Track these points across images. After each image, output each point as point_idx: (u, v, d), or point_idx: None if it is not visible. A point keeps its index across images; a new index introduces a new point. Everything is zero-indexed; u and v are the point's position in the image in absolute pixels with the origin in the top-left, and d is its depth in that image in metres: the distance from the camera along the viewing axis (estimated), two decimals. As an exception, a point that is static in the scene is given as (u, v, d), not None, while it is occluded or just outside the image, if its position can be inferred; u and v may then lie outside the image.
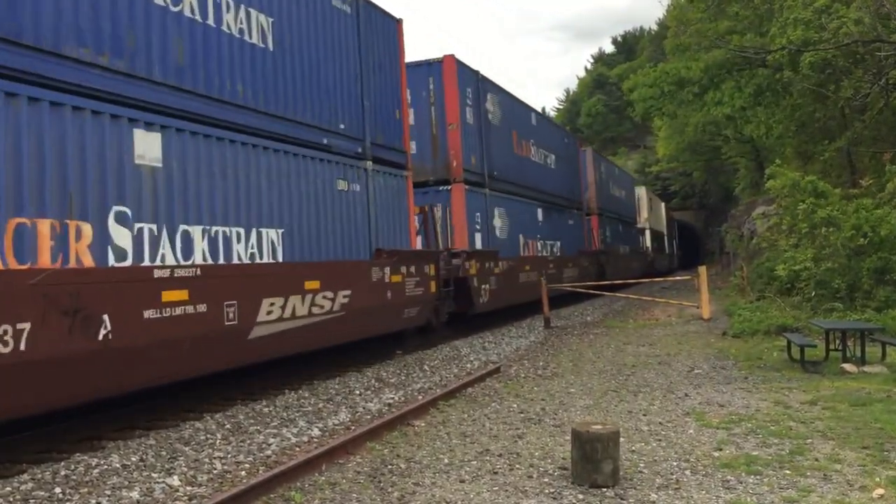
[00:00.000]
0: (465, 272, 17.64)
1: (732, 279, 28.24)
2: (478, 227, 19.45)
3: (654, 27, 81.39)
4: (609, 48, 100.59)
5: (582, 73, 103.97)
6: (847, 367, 10.95)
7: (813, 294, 16.87)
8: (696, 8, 29.99)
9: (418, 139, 18.29)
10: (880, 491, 5.60)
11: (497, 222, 20.92)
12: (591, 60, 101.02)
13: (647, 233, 50.43)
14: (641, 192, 50.64)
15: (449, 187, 18.60)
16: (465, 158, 18.95)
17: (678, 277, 33.71)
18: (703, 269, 20.42)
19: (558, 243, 27.15)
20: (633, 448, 7.13)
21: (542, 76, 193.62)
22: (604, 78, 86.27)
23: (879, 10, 18.58)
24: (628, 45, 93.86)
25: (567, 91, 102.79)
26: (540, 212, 25.32)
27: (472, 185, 19.36)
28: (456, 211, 18.51)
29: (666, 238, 61.31)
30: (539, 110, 26.36)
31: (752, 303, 19.78)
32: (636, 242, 46.59)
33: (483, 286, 18.78)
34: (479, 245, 19.34)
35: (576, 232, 30.70)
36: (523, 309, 22.93)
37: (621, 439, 6.62)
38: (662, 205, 61.59)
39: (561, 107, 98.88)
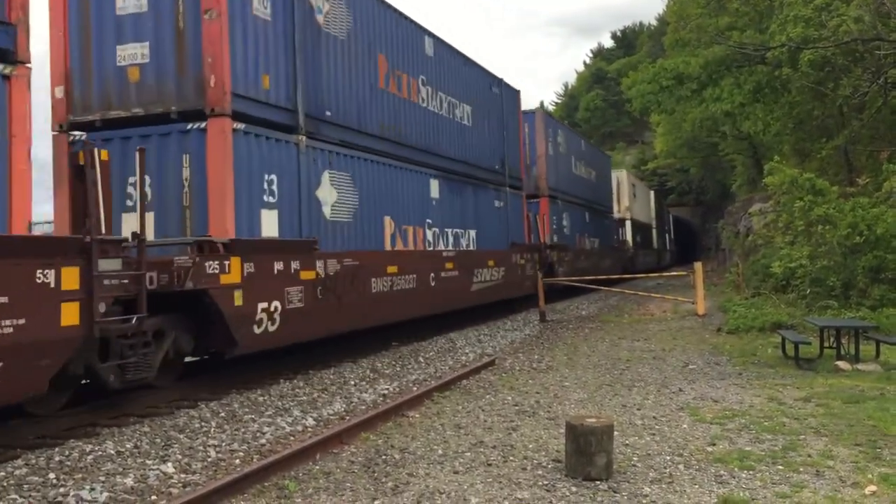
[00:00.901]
0: (202, 280, 9.32)
1: (728, 275, 28.27)
2: (269, 199, 11.23)
3: (654, 22, 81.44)
4: (608, 43, 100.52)
5: (580, 68, 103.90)
6: (841, 364, 10.99)
7: (808, 291, 16.92)
8: (696, 3, 29.99)
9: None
10: (872, 488, 5.63)
11: (327, 194, 12.70)
12: (590, 55, 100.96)
13: (628, 224, 42.78)
14: (622, 175, 43.94)
15: (203, 124, 10.34)
16: (246, 75, 10.85)
17: (674, 273, 33.78)
18: (698, 266, 20.43)
19: (472, 233, 19.26)
20: (627, 442, 7.15)
21: (542, 72, 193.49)
22: (602, 73, 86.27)
23: (879, 9, 18.59)
24: (627, 40, 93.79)
25: (565, 85, 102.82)
26: (435, 185, 17.35)
27: (259, 123, 11.12)
28: (212, 171, 10.25)
29: (655, 231, 55.32)
30: (441, 38, 18.30)
31: (747, 299, 19.83)
32: (611, 235, 38.97)
33: (263, 304, 10.44)
34: (267, 234, 11.18)
35: (506, 218, 22.08)
36: (518, 302, 22.93)
37: (615, 433, 6.63)
38: (651, 193, 56.07)
39: (559, 101, 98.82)
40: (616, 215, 41.22)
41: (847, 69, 20.45)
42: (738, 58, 25.75)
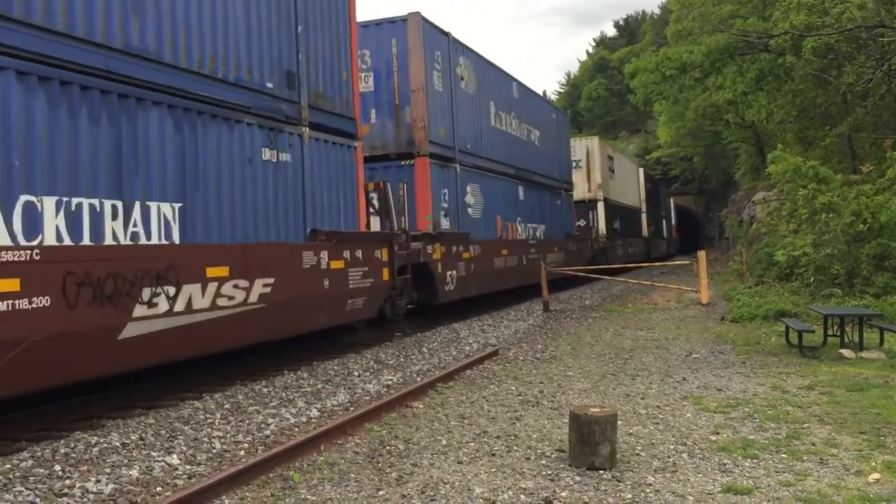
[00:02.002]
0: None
1: (731, 264, 28.25)
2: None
3: (657, 11, 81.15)
4: (611, 32, 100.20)
5: (582, 57, 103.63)
6: (845, 352, 10.98)
7: (812, 280, 16.89)
8: (699, -9, 29.84)
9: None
10: (876, 475, 5.63)
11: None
12: (593, 44, 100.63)
13: (601, 208, 33.98)
14: (593, 145, 34.60)
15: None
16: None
17: (677, 262, 33.77)
18: (702, 254, 20.41)
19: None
20: (631, 431, 7.16)
21: (541, 61, 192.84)
22: (605, 62, 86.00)
23: (883, -4, 18.50)
24: (630, 28, 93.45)
25: (568, 74, 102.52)
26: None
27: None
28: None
29: (644, 217, 47.72)
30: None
31: (750, 288, 19.80)
32: (567, 220, 29.71)
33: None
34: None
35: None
36: (519, 293, 22.95)
37: (619, 422, 6.64)
38: (640, 173, 48.96)
39: (562, 90, 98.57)
40: (583, 195, 33.22)
41: (851, 56, 20.37)
42: (741, 46, 25.70)
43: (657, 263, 32.97)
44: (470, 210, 18.95)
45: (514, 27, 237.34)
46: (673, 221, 66.81)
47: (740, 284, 21.71)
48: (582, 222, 32.74)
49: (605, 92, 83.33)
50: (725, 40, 26.00)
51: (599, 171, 34.33)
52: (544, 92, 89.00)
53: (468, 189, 18.93)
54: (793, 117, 26.05)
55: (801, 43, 20.59)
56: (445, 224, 17.29)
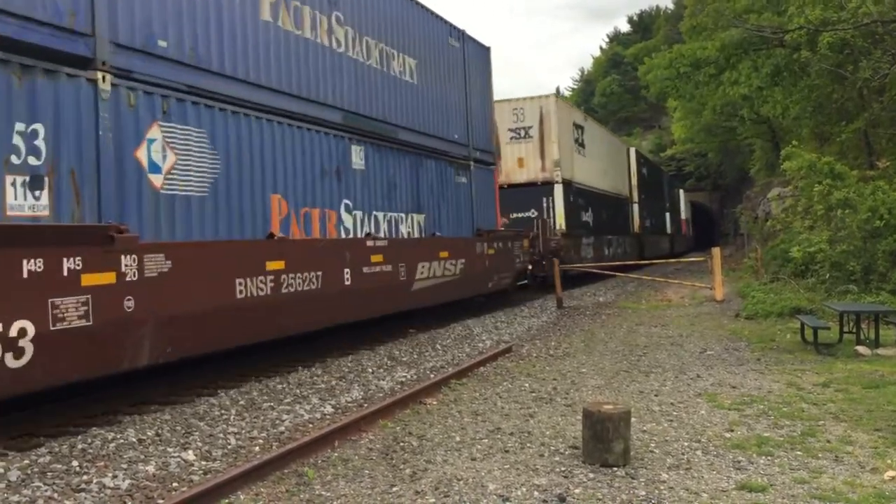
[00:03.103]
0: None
1: (746, 261, 28.12)
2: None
3: (671, 6, 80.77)
4: (624, 27, 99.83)
5: (596, 53, 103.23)
6: (861, 349, 10.92)
7: (827, 276, 16.80)
8: (713, -14, 29.67)
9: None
10: (892, 473, 5.61)
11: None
12: (607, 39, 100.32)
13: (559, 193, 25.23)
14: (548, 107, 25.59)
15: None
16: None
17: (692, 259, 33.61)
18: (716, 251, 20.35)
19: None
20: (645, 428, 7.15)
21: (553, 56, 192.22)
22: (619, 57, 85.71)
23: (900, -10, 18.35)
24: (644, 24, 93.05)
25: (581, 70, 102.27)
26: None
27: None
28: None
29: (636, 209, 39.46)
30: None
31: (765, 284, 19.72)
32: (482, 210, 19.01)
33: None
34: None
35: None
36: (536, 289, 23.08)
37: (632, 419, 6.64)
38: (630, 152, 40.09)
39: (576, 86, 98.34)
40: (534, 176, 25.28)
41: (867, 51, 20.21)
42: (755, 41, 25.51)
43: (684, 260, 31.74)
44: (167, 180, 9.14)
45: (525, 20, 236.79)
46: (683, 215, 62.06)
47: (755, 281, 21.62)
48: (532, 213, 24.74)
49: (619, 88, 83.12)
50: (740, 35, 25.82)
51: (558, 144, 25.29)
52: (557, 89, 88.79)
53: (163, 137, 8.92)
54: (808, 113, 25.87)
55: (817, 38, 20.44)
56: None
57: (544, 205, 25.20)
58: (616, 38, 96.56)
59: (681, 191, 63.24)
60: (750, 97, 27.26)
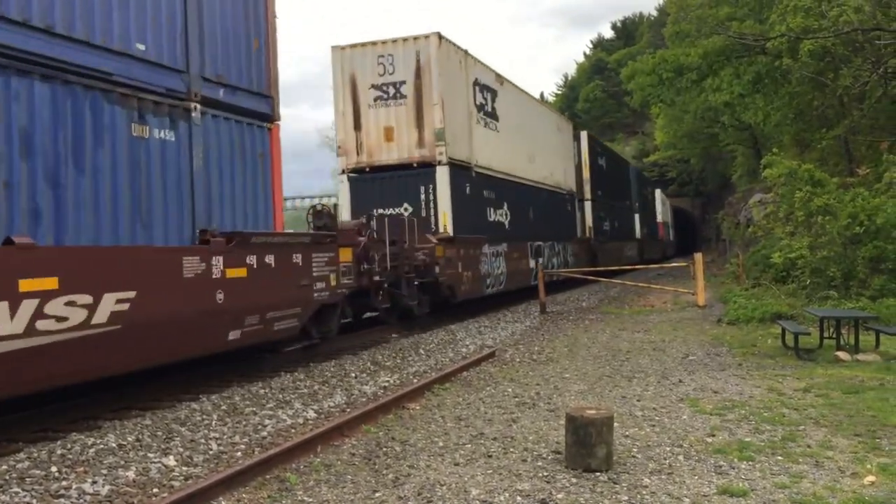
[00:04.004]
0: None
1: (728, 266, 28.29)
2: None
3: (654, 13, 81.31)
4: (608, 34, 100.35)
5: (580, 59, 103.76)
6: (841, 354, 11.00)
7: (808, 282, 16.93)
8: (696, -7, 29.92)
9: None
10: (871, 478, 5.65)
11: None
12: (590, 46, 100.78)
13: (443, 180, 18.08)
14: (428, 51, 18.12)
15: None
16: None
17: (674, 264, 33.79)
18: (698, 257, 20.45)
19: None
20: (627, 433, 7.17)
21: (539, 62, 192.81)
22: (603, 63, 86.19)
23: (880, -1, 18.56)
24: (628, 31, 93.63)
25: (565, 76, 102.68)
26: None
27: None
28: None
29: (588, 207, 32.59)
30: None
31: (747, 290, 19.84)
32: (159, 194, 9.37)
33: None
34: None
35: None
36: (520, 294, 22.99)
37: (615, 424, 6.65)
38: (582, 136, 33.12)
39: (559, 92, 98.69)
40: (406, 155, 18.26)
41: (847, 59, 20.43)
42: (737, 48, 25.73)
43: (667, 265, 30.46)
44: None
45: (513, 28, 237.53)
46: (660, 218, 57.49)
47: (737, 287, 21.76)
48: (406, 208, 18.06)
49: (602, 94, 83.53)
50: (722, 42, 26.04)
51: (441, 108, 17.77)
52: (541, 94, 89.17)
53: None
54: (790, 120, 26.11)
55: (798, 46, 20.64)
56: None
57: (423, 196, 17.84)
58: (600, 45, 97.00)
59: (658, 191, 59.42)
60: (731, 104, 27.48)
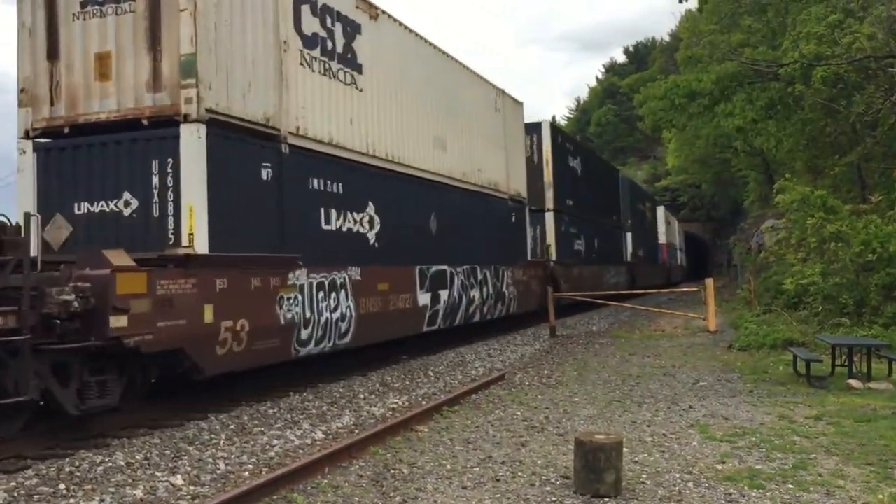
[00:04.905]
0: None
1: (739, 292, 28.16)
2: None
3: (667, 38, 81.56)
4: (620, 58, 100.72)
5: (592, 83, 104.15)
6: (853, 382, 10.92)
7: (820, 309, 16.83)
8: (709, 20, 30.02)
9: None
10: (883, 508, 5.59)
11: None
12: (603, 70, 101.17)
13: (190, 149, 9.49)
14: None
15: None
16: None
17: (685, 289, 33.66)
18: (710, 282, 20.38)
19: None
20: (636, 459, 7.12)
21: (550, 85, 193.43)
22: (615, 87, 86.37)
23: (893, 27, 18.57)
24: (640, 55, 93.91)
25: (578, 99, 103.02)
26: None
27: None
28: None
29: (549, 221, 25.06)
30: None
31: (758, 316, 19.73)
32: None
33: None
34: None
35: None
36: (528, 317, 22.83)
37: (624, 450, 6.61)
38: (543, 128, 25.67)
39: (571, 115, 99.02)
40: (122, 103, 10.04)
41: (860, 86, 20.42)
42: (750, 74, 25.73)
43: (678, 290, 30.03)
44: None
45: (523, 50, 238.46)
46: (663, 239, 50.99)
47: (748, 312, 21.64)
48: (130, 201, 9.97)
49: (615, 118, 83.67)
50: (735, 68, 26.06)
51: (194, 19, 9.74)
52: (553, 118, 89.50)
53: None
54: (802, 146, 26.05)
55: (811, 72, 20.63)
56: None
57: (156, 179, 9.87)
58: (612, 69, 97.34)
59: (661, 209, 52.52)
60: (744, 129, 27.45)
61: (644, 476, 6.56)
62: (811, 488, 6.12)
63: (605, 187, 34.84)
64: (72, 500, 5.97)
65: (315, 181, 12.18)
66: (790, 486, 6.20)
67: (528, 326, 22.13)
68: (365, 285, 13.21)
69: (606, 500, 5.89)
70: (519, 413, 9.54)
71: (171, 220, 9.67)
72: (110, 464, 7.00)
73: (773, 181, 29.53)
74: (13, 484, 6.31)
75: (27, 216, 8.09)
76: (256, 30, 10.92)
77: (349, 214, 13.07)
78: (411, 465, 7.08)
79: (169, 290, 8.87)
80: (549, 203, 25.14)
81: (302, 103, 11.81)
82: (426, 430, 8.64)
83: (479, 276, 18.49)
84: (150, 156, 9.81)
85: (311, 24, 12.25)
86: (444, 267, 16.55)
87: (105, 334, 7.99)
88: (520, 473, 6.73)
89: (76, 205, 10.02)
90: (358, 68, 13.61)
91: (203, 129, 9.66)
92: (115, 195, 9.93)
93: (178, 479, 6.55)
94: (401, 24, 15.43)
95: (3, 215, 8.35)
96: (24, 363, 7.34)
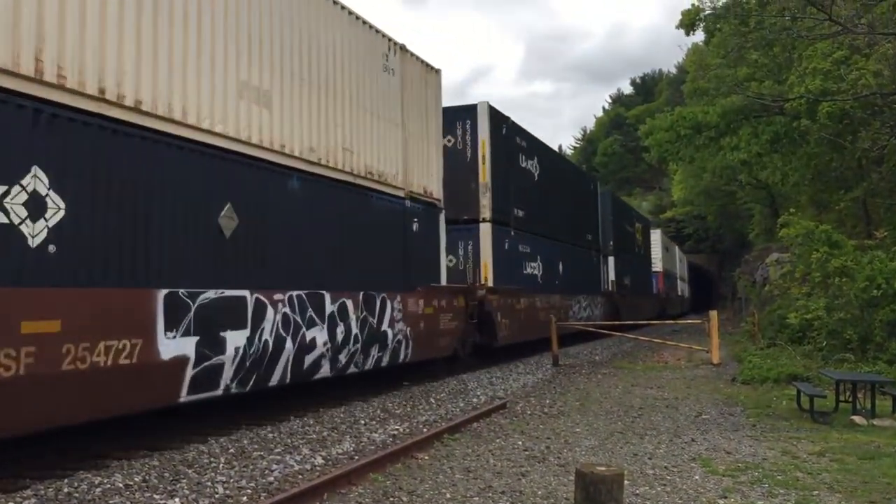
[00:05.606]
0: None
1: (744, 325, 28.09)
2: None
3: (673, 70, 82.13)
4: (627, 89, 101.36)
5: (598, 113, 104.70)
6: (857, 419, 10.85)
7: (824, 344, 16.77)
8: (715, 53, 30.20)
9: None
10: (886, 547, 5.54)
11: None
12: (609, 101, 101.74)
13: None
14: None
15: None
16: None
17: (689, 321, 33.58)
18: (713, 314, 20.33)
19: None
20: (638, 492, 7.08)
21: (557, 116, 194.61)
22: (621, 118, 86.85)
23: (899, 64, 18.68)
24: (647, 87, 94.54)
25: (584, 130, 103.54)
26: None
27: None
28: None
29: (487, 233, 19.48)
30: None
31: (762, 349, 19.66)
32: None
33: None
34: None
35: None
36: (530, 347, 22.79)
37: (626, 482, 6.56)
38: (481, 110, 19.68)
39: (577, 145, 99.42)
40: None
41: (866, 122, 20.48)
42: (756, 108, 25.85)
43: (682, 321, 29.42)
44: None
45: (528, 81, 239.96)
46: (657, 267, 46.26)
47: (752, 345, 21.57)
48: None
49: (621, 148, 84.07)
50: (741, 102, 26.18)
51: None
52: (560, 147, 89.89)
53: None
54: (807, 180, 26.09)
55: (817, 107, 20.71)
56: None
57: None
58: (619, 100, 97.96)
59: (657, 232, 48.07)
60: (749, 163, 27.52)
61: (645, 509, 6.52)
62: (814, 525, 6.07)
63: (578, 201, 29.05)
64: (69, 522, 5.94)
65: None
66: (792, 522, 6.15)
67: (530, 355, 22.07)
68: None
69: (607, 532, 5.83)
70: (520, 442, 9.49)
71: None
72: (109, 485, 6.97)
73: (778, 214, 29.57)
74: (11, 504, 6.29)
75: None
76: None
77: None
78: (411, 492, 7.04)
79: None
80: (485, 212, 19.60)
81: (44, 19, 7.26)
82: (427, 457, 8.60)
83: (330, 308, 11.98)
84: None
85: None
86: (242, 293, 9.95)
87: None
88: (520, 504, 6.69)
89: None
90: None
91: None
92: None
93: (177, 502, 6.52)
94: None
95: None
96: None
